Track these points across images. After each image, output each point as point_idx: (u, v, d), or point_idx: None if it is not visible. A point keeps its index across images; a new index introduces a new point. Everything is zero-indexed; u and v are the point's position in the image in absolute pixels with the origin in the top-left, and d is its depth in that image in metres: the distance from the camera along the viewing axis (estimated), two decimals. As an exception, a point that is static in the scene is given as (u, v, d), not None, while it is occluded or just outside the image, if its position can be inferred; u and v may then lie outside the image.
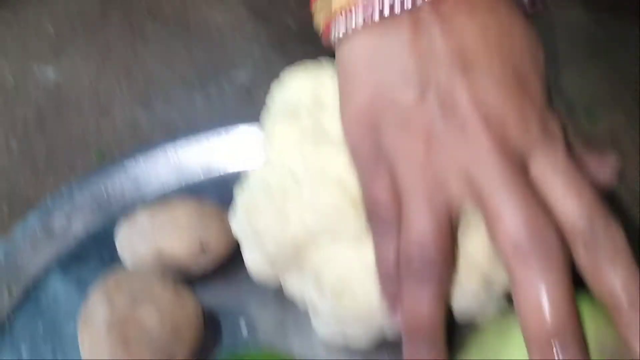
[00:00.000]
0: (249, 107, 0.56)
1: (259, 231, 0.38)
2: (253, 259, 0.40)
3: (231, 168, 0.51)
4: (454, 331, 0.36)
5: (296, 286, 0.40)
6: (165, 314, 0.38)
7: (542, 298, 0.30)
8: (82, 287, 0.42)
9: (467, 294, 0.36)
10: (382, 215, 0.35)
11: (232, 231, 0.41)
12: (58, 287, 0.46)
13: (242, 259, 0.41)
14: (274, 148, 0.41)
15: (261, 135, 0.43)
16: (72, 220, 0.49)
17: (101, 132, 0.57)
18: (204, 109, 0.58)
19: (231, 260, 0.44)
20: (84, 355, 0.38)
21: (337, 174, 0.37)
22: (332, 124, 0.39)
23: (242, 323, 0.43)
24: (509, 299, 0.37)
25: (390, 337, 0.39)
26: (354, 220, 0.37)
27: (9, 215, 0.51)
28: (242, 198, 0.40)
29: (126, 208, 0.48)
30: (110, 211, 0.49)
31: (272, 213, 0.38)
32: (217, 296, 0.44)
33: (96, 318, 0.38)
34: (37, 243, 0.47)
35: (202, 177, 0.51)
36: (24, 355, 0.42)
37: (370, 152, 0.36)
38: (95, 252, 0.47)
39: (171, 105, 0.59)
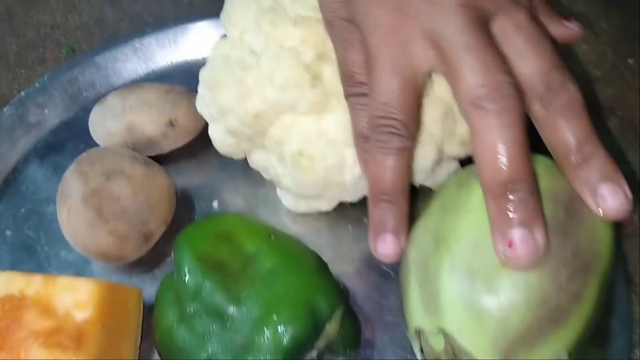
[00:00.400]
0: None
1: (222, 106, 0.40)
2: (218, 133, 0.42)
3: (197, 57, 0.53)
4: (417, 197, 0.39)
5: (260, 158, 0.42)
6: (137, 185, 0.41)
7: (499, 148, 0.32)
8: (59, 172, 0.44)
9: (424, 162, 0.38)
10: (356, 78, 0.37)
11: (196, 108, 0.43)
12: (37, 174, 0.48)
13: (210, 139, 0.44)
14: (234, 26, 0.42)
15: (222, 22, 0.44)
16: (46, 112, 0.50)
17: (69, 28, 0.58)
18: (170, 2, 0.59)
19: (200, 141, 0.46)
20: (63, 229, 0.41)
21: (294, 49, 0.39)
22: (290, 4, 0.41)
23: (214, 200, 0.46)
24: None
25: (349, 200, 0.41)
26: (311, 93, 0.38)
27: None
28: (205, 74, 0.41)
29: (98, 98, 0.50)
30: (82, 102, 0.51)
31: (233, 88, 0.40)
32: (188, 175, 0.47)
33: (72, 192, 0.40)
34: (14, 135, 0.49)
35: (169, 66, 0.53)
36: (9, 238, 0.45)
37: (344, 22, 0.37)
38: (70, 141, 0.49)
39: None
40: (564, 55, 0.35)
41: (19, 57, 0.56)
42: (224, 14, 0.43)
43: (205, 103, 0.42)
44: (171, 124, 0.45)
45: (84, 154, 0.42)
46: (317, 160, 0.39)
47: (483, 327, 0.31)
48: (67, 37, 0.57)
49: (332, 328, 0.35)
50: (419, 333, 0.34)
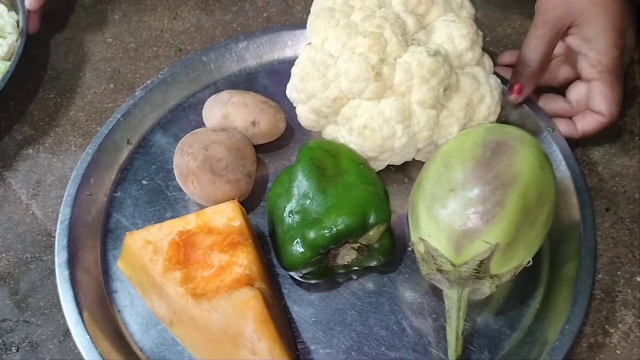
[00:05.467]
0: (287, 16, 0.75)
1: (309, 92, 0.57)
2: (304, 112, 0.59)
3: (277, 58, 0.70)
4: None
5: (332, 130, 0.59)
6: (227, 145, 0.57)
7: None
8: (176, 140, 0.60)
9: (449, 137, 0.55)
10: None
11: (278, 120, 0.61)
12: (161, 141, 0.65)
13: (282, 144, 0.61)
14: (317, 36, 0.59)
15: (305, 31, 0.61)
16: (167, 96, 0.67)
17: (175, 31, 0.75)
18: (253, 14, 0.76)
19: (275, 142, 0.63)
20: (194, 197, 0.57)
21: (363, 54, 0.55)
22: (358, 19, 0.57)
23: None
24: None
25: (395, 163, 0.58)
26: (373, 85, 0.55)
27: (114, 91, 0.70)
28: (296, 70, 0.58)
29: (203, 88, 0.67)
30: (192, 89, 0.68)
31: (318, 80, 0.56)
32: (266, 159, 0.63)
33: (189, 169, 0.56)
34: (144, 111, 0.66)
35: (256, 65, 0.70)
36: (145, 185, 0.62)
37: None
38: (183, 118, 0.66)
39: (227, 10, 0.77)
40: None
41: (138, 53, 0.73)
42: (309, 27, 0.60)
43: (296, 90, 0.58)
44: (254, 124, 0.61)
45: (182, 139, 0.59)
46: (376, 132, 0.55)
47: (440, 230, 0.47)
48: (174, 38, 0.74)
49: (373, 234, 0.51)
50: (412, 244, 0.50)
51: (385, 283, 0.54)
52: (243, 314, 0.43)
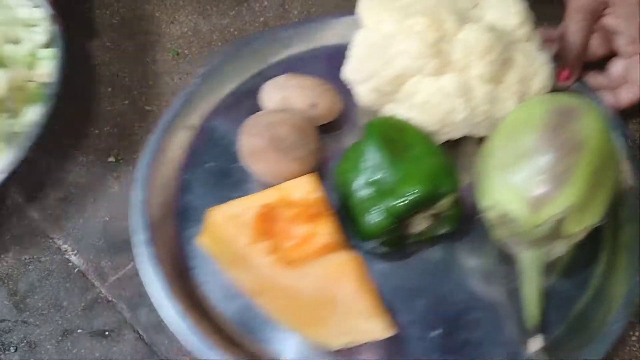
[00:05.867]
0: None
1: (370, 71, 0.59)
2: (364, 91, 0.61)
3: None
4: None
5: (390, 108, 0.61)
6: (290, 125, 0.59)
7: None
8: (237, 124, 0.62)
9: (504, 110, 0.58)
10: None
11: (336, 101, 0.63)
12: (222, 125, 0.67)
13: (338, 125, 0.63)
14: (370, 19, 0.61)
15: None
16: (222, 82, 0.69)
17: (172, 36, 0.76)
18: (250, 19, 0.78)
19: (331, 124, 0.65)
20: (264, 176, 0.59)
21: (419, 32, 0.58)
22: (413, 4, 0.59)
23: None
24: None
25: (453, 137, 0.60)
26: (433, 62, 0.57)
27: (111, 94, 0.72)
28: (355, 51, 0.60)
29: (256, 74, 0.69)
30: (244, 75, 0.70)
31: (379, 59, 0.58)
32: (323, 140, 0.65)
33: (248, 144, 0.59)
34: (203, 98, 0.68)
35: (303, 51, 0.72)
36: (211, 167, 0.64)
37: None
38: (241, 102, 0.68)
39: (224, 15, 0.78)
40: None
41: (136, 56, 0.75)
42: (361, 11, 0.62)
43: (356, 70, 0.61)
44: (314, 105, 0.63)
45: (246, 122, 0.61)
46: (437, 107, 0.57)
47: (515, 195, 0.49)
48: (172, 43, 0.76)
49: (444, 204, 0.53)
50: (483, 210, 0.52)
51: (453, 250, 0.56)
52: (341, 276, 0.45)
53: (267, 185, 0.59)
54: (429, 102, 0.58)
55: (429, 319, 0.53)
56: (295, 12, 0.78)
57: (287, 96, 0.63)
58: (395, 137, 0.56)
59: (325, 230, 0.50)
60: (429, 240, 0.56)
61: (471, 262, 0.56)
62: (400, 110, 0.60)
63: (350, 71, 0.62)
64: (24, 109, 0.65)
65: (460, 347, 0.51)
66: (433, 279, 0.54)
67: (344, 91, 0.64)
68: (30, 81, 0.66)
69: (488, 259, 0.56)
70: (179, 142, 0.65)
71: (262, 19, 0.78)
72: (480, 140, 0.59)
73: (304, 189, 0.52)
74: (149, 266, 0.54)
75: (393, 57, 0.58)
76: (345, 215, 0.55)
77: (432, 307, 0.53)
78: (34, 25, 0.70)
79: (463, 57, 0.57)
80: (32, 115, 0.64)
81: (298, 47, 0.72)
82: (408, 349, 0.51)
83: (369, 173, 0.54)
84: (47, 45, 0.69)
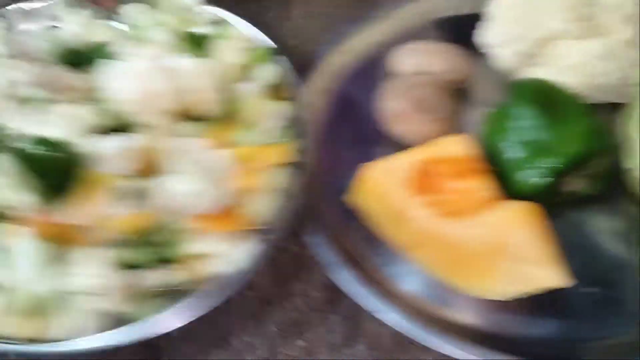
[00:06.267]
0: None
1: (514, 35, 0.59)
2: (506, 55, 0.61)
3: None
4: None
5: (532, 71, 0.61)
6: (431, 87, 0.60)
7: None
8: (368, 89, 0.63)
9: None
10: None
11: (467, 65, 0.63)
12: (354, 92, 0.68)
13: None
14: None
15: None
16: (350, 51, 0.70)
17: None
18: None
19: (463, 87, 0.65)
20: (408, 136, 0.60)
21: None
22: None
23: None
24: None
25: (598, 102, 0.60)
26: (578, 24, 0.57)
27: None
28: (498, 14, 0.61)
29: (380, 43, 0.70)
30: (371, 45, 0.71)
31: (523, 22, 0.59)
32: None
33: (389, 106, 0.60)
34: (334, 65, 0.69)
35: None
36: (346, 130, 0.64)
37: None
38: (372, 70, 0.69)
39: None
40: None
41: None
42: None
43: (497, 34, 0.61)
44: (448, 70, 0.63)
45: (385, 86, 0.62)
46: (587, 69, 0.57)
47: None
48: None
49: (598, 163, 0.53)
50: (628, 172, 0.53)
51: (599, 211, 0.56)
52: (518, 223, 0.46)
53: (404, 147, 0.59)
54: (580, 65, 0.58)
55: (581, 276, 0.52)
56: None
57: (420, 62, 0.64)
58: (546, 98, 0.55)
59: (485, 185, 0.50)
60: (576, 199, 0.56)
61: (615, 223, 0.55)
62: (548, 73, 0.60)
63: (492, 34, 0.62)
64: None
65: (612, 304, 0.51)
66: (582, 238, 0.54)
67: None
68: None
69: (632, 220, 0.55)
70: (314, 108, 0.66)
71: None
72: (617, 105, 0.59)
73: (457, 146, 0.53)
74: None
75: (541, 20, 0.58)
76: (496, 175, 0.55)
77: (584, 263, 0.53)
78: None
79: (610, 21, 0.57)
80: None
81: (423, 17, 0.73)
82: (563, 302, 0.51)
83: (521, 134, 0.54)
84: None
